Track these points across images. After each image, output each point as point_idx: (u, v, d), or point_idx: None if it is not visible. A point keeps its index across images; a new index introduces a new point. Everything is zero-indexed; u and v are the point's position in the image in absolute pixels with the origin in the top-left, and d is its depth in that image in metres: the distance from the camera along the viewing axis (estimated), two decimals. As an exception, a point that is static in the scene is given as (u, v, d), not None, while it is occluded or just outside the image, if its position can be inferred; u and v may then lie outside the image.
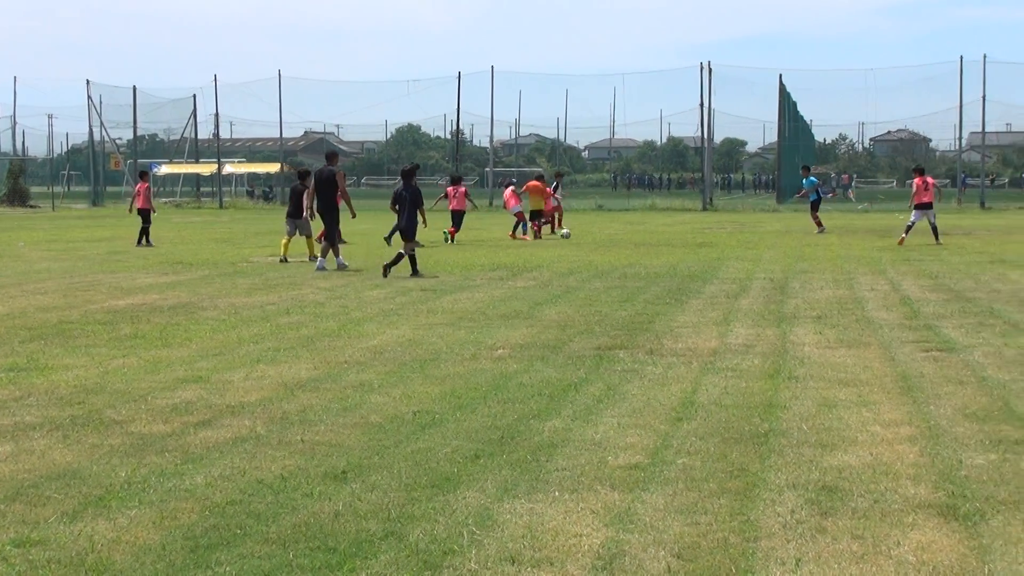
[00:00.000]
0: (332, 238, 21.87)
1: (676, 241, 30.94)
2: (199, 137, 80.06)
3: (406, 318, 14.17)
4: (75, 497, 6.41)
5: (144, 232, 29.49)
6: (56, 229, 39.86)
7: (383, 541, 5.62)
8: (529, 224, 32.54)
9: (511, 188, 34.00)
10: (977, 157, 78.43)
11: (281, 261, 23.38)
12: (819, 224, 35.11)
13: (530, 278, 19.59)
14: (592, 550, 5.49)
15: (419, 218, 20.46)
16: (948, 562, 5.31)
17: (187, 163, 78.41)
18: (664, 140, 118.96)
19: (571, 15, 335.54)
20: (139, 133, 79.54)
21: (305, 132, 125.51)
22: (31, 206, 65.28)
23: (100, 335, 12.77)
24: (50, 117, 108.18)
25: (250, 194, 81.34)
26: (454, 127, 75.66)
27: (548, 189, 34.57)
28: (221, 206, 66.88)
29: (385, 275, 19.62)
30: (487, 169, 73.65)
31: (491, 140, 75.72)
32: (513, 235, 31.99)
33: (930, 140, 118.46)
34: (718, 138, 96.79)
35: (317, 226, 23.51)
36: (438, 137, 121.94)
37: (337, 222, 22.10)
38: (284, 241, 24.33)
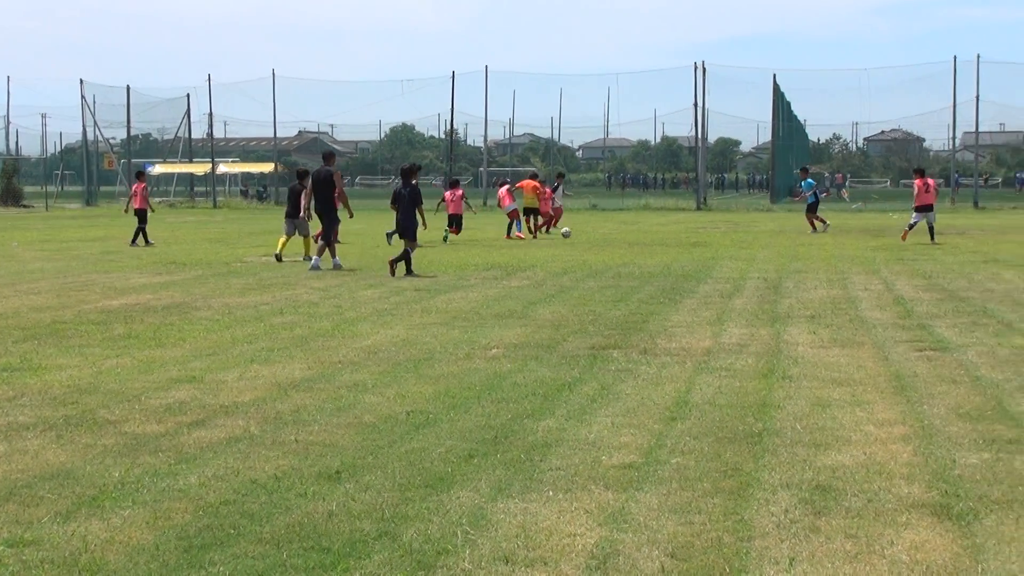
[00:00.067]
0: (328, 238, 21.88)
1: (670, 241, 30.96)
2: (193, 137, 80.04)
3: (400, 318, 14.17)
4: (68, 497, 6.40)
5: (141, 232, 29.45)
6: (50, 229, 39.81)
7: (377, 541, 5.62)
8: (523, 220, 32.60)
9: (506, 187, 34.05)
10: (971, 157, 78.61)
11: (276, 259, 23.42)
12: (813, 225, 35.13)
13: (524, 277, 19.59)
14: (586, 550, 5.49)
15: (418, 218, 20.49)
16: (942, 561, 5.32)
17: (181, 163, 78.32)
18: (658, 140, 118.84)
19: (565, 15, 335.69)
20: (133, 133, 79.62)
21: (299, 132, 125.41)
22: (25, 206, 65.16)
23: (94, 335, 12.76)
24: (44, 116, 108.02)
25: (244, 194, 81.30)
26: (448, 127, 75.72)
27: (548, 190, 34.74)
28: (215, 206, 66.83)
29: (392, 273, 19.74)
30: (481, 169, 73.59)
31: (485, 140, 75.64)
32: (508, 236, 32.00)
33: (924, 140, 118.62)
34: (712, 138, 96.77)
35: (315, 226, 23.50)
36: (432, 137, 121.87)
37: (335, 222, 22.11)
38: (282, 240, 24.37)
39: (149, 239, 29.44)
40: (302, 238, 24.29)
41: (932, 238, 28.80)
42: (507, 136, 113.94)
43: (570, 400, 9.02)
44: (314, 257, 21.60)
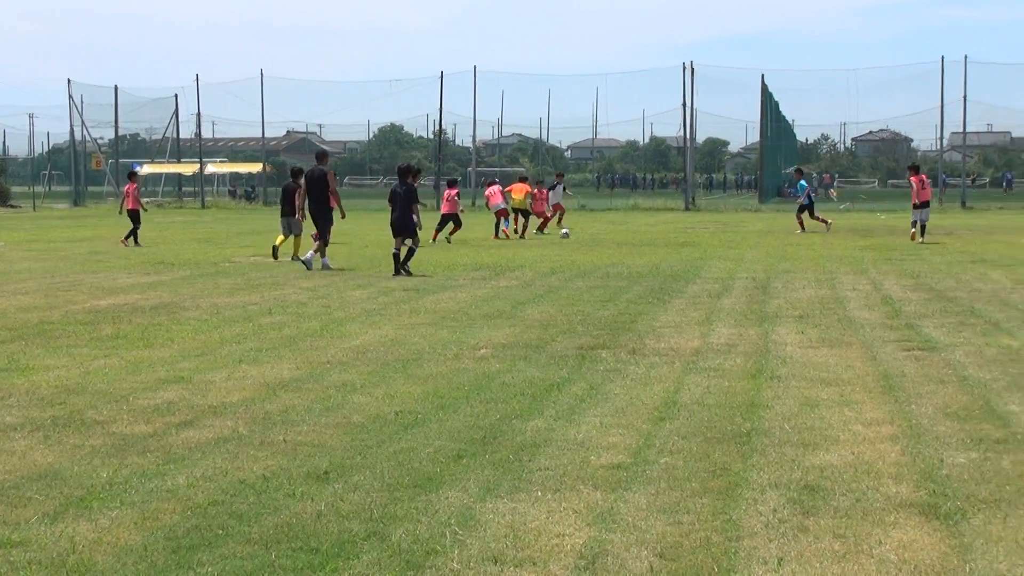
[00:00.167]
0: (325, 237, 21.95)
1: (659, 241, 30.98)
2: (181, 137, 79.83)
3: (389, 318, 14.16)
4: (56, 498, 6.38)
5: (133, 233, 29.38)
6: (37, 229, 39.70)
7: (365, 541, 5.61)
8: (511, 219, 32.65)
9: (495, 186, 34.08)
10: (958, 157, 78.81)
11: (273, 256, 23.52)
12: (802, 225, 35.16)
13: (512, 278, 19.59)
14: (575, 550, 5.49)
15: (415, 217, 20.52)
16: (929, 560, 5.33)
17: (169, 163, 78.14)
18: (647, 140, 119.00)
19: (553, 15, 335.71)
20: (120, 133, 79.40)
21: (287, 132, 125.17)
22: (12, 206, 65.02)
23: (81, 335, 12.73)
24: (31, 116, 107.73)
25: (232, 194, 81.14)
26: (437, 127, 75.66)
27: (544, 191, 34.93)
28: (203, 206, 66.72)
29: (404, 267, 19.86)
30: (470, 169, 73.54)
31: (474, 140, 75.60)
32: (496, 236, 32.04)
33: (912, 140, 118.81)
34: (700, 138, 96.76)
35: (307, 226, 23.53)
36: (421, 137, 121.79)
37: (330, 222, 22.17)
38: (280, 238, 24.43)
39: (138, 240, 29.37)
40: (293, 237, 24.27)
41: (922, 236, 28.93)
42: (496, 136, 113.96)
43: (559, 400, 9.02)
44: (310, 252, 21.57)
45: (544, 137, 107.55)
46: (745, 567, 5.26)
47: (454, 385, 9.66)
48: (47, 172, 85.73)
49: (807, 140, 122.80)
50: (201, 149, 75.97)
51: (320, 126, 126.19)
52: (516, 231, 32.72)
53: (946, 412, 8.49)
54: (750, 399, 9.01)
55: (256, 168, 79.37)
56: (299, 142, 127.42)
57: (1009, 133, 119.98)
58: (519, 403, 8.88)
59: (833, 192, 54.11)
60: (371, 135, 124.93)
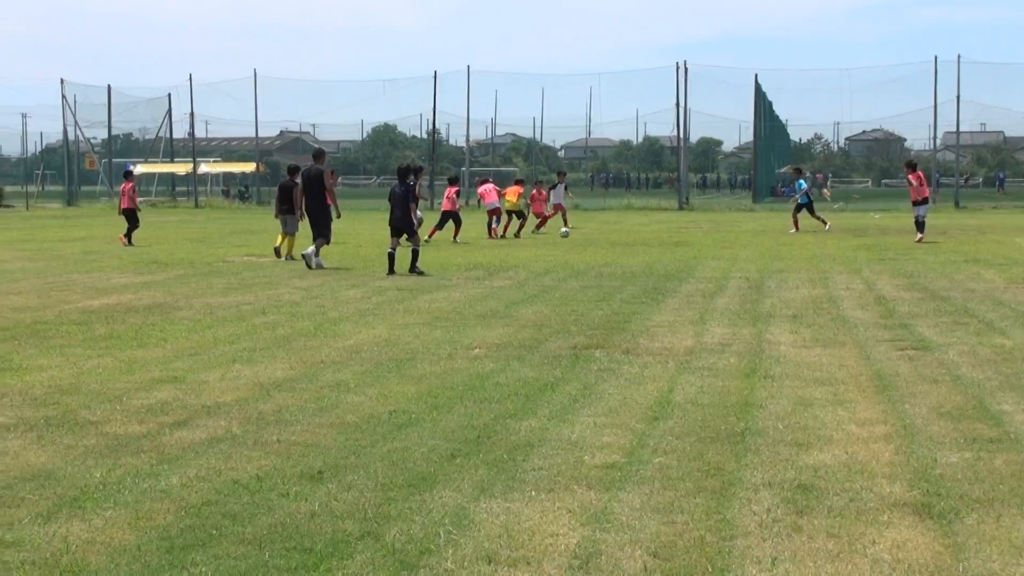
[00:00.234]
0: (327, 235, 22.00)
1: (652, 240, 30.99)
2: (174, 136, 79.68)
3: (382, 318, 14.15)
4: (49, 498, 6.37)
5: (129, 232, 29.34)
6: (30, 229, 39.64)
7: (359, 541, 5.61)
8: (503, 219, 32.66)
9: (488, 184, 34.08)
10: (952, 157, 78.85)
11: (276, 255, 23.58)
12: (796, 225, 35.16)
13: (506, 277, 19.59)
14: (568, 549, 5.49)
15: (412, 216, 20.54)
16: (923, 560, 5.34)
17: (162, 162, 78.03)
18: (640, 140, 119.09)
19: (547, 15, 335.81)
20: (114, 132, 79.27)
21: (281, 132, 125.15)
22: (5, 206, 64.87)
23: (75, 335, 12.71)
24: (24, 116, 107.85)
25: (225, 194, 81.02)
26: (430, 127, 75.54)
27: (544, 191, 34.97)
28: (196, 206, 66.64)
29: (414, 268, 19.92)
30: (463, 168, 73.53)
31: (467, 140, 75.70)
32: (490, 235, 32.04)
33: (905, 140, 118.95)
34: (694, 138, 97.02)
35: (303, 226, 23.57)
36: (414, 137, 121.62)
37: (329, 220, 22.20)
38: (280, 239, 24.41)
39: (131, 240, 29.32)
40: (287, 236, 24.24)
41: (921, 232, 29.09)
42: (489, 136, 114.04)
43: (552, 400, 9.02)
44: (311, 248, 21.61)
45: (538, 137, 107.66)
46: (739, 566, 5.26)
47: (448, 385, 9.65)
48: (40, 172, 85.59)
49: (801, 140, 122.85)
50: (195, 149, 75.94)
51: (314, 126, 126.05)
52: (504, 234, 32.62)
53: (940, 412, 8.50)
54: (744, 399, 9.01)
55: (250, 168, 79.34)
56: (292, 142, 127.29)
57: (1002, 133, 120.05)
58: (513, 403, 8.88)
59: (826, 192, 54.02)
60: (364, 135, 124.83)
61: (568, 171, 57.19)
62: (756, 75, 67.54)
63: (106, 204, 64.30)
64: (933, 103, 59.61)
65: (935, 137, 67.68)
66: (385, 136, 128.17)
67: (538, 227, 34.57)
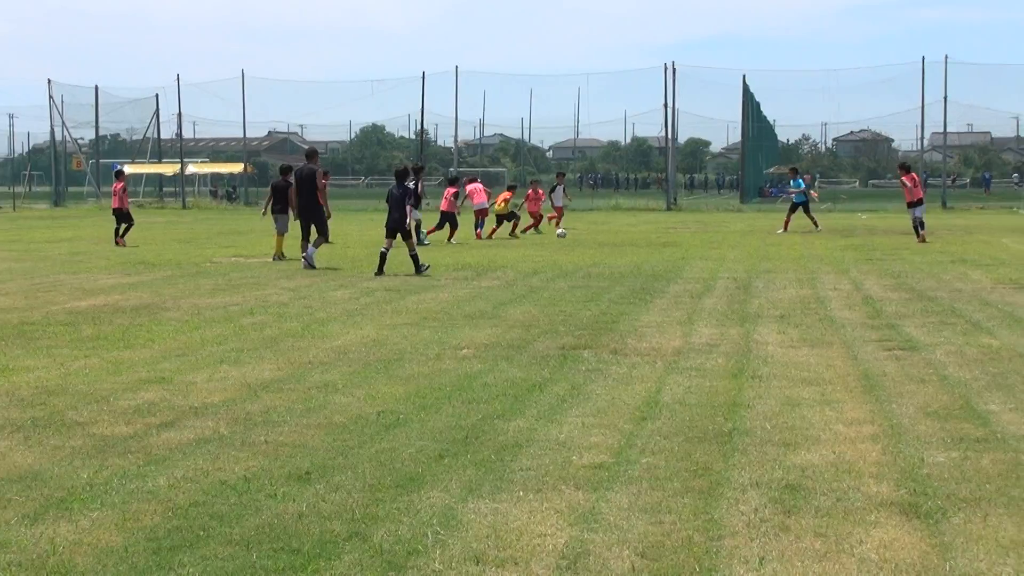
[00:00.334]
0: (327, 234, 22.04)
1: (640, 241, 31.01)
2: (162, 137, 79.39)
3: (370, 318, 14.14)
4: (36, 499, 6.36)
5: (119, 231, 29.31)
6: (17, 229, 39.53)
7: (347, 542, 5.61)
8: (486, 224, 32.62)
9: (478, 183, 34.04)
10: (939, 157, 79.02)
11: (280, 258, 23.56)
12: (786, 225, 35.19)
13: (494, 278, 19.59)
14: (556, 550, 5.50)
15: (409, 216, 20.54)
16: (910, 559, 5.35)
17: (150, 163, 77.77)
18: (628, 140, 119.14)
19: (535, 15, 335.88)
20: (101, 133, 79.00)
21: (269, 132, 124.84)
22: (-8, 206, 64.70)
23: (62, 336, 12.68)
24: (11, 116, 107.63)
25: (213, 194, 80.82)
26: (418, 127, 75.53)
27: (540, 191, 34.98)
28: (184, 206, 66.49)
29: (419, 271, 19.92)
30: (452, 169, 73.54)
31: (455, 140, 75.63)
32: (478, 234, 32.03)
33: (892, 140, 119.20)
34: (682, 138, 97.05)
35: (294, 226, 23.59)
36: (403, 137, 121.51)
37: (325, 219, 22.27)
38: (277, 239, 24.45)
39: (119, 240, 29.25)
40: (278, 236, 24.22)
41: (921, 231, 29.24)
42: (477, 136, 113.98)
43: (540, 400, 9.02)
44: (311, 248, 21.62)
45: (526, 137, 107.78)
46: (727, 566, 5.27)
47: (436, 385, 9.65)
48: (27, 172, 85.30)
49: (788, 140, 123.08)
50: (182, 149, 75.67)
51: (302, 126, 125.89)
52: (491, 236, 32.47)
53: (927, 411, 8.52)
54: (731, 399, 9.03)
55: (237, 168, 79.11)
56: (280, 142, 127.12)
57: (989, 133, 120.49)
58: (501, 403, 8.88)
59: (814, 192, 54.11)
60: (353, 135, 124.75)
61: (556, 171, 57.10)
62: (744, 76, 67.65)
63: (93, 205, 64.17)
64: (920, 104, 59.72)
65: (922, 138, 67.91)
66: (373, 137, 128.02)
67: (534, 226, 34.47)
